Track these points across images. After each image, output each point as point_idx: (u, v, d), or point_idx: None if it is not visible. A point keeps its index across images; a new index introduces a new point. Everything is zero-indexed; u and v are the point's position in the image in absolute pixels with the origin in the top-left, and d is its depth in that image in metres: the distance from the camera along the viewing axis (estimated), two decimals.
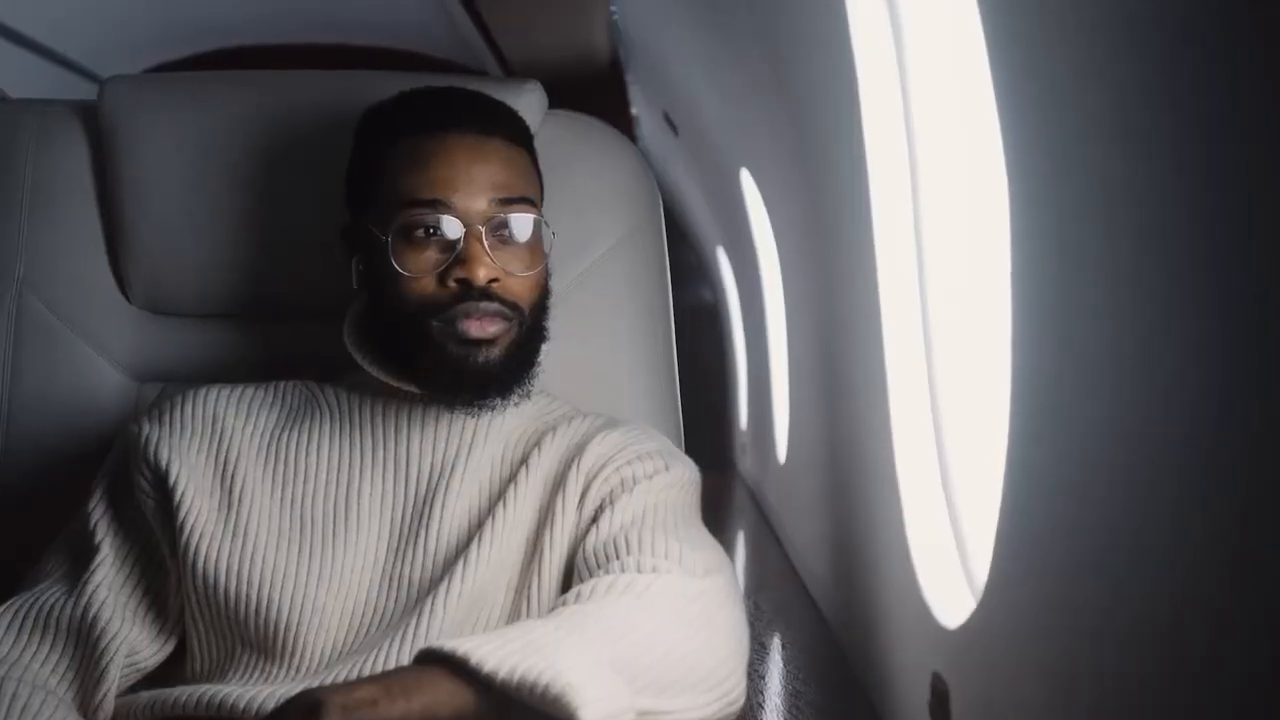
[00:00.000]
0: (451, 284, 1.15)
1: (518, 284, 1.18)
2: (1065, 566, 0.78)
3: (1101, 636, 0.75)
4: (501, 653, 0.93)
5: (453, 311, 1.15)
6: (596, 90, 3.31)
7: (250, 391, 1.26)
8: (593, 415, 1.26)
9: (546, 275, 1.22)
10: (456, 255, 1.15)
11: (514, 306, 1.17)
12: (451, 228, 1.15)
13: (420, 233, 1.16)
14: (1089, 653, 0.77)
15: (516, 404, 1.23)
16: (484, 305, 1.15)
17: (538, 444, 1.21)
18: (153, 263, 1.40)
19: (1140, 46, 0.66)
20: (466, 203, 1.16)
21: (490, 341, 1.16)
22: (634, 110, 3.82)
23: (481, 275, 1.14)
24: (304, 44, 2.98)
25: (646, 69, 3.19)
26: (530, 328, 1.20)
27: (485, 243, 1.15)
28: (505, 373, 1.18)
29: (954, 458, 1.17)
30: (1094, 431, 0.74)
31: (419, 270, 1.16)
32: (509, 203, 1.17)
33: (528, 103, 1.42)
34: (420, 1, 2.75)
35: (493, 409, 1.21)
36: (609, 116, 1.53)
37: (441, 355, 1.16)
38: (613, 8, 2.84)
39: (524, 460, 1.20)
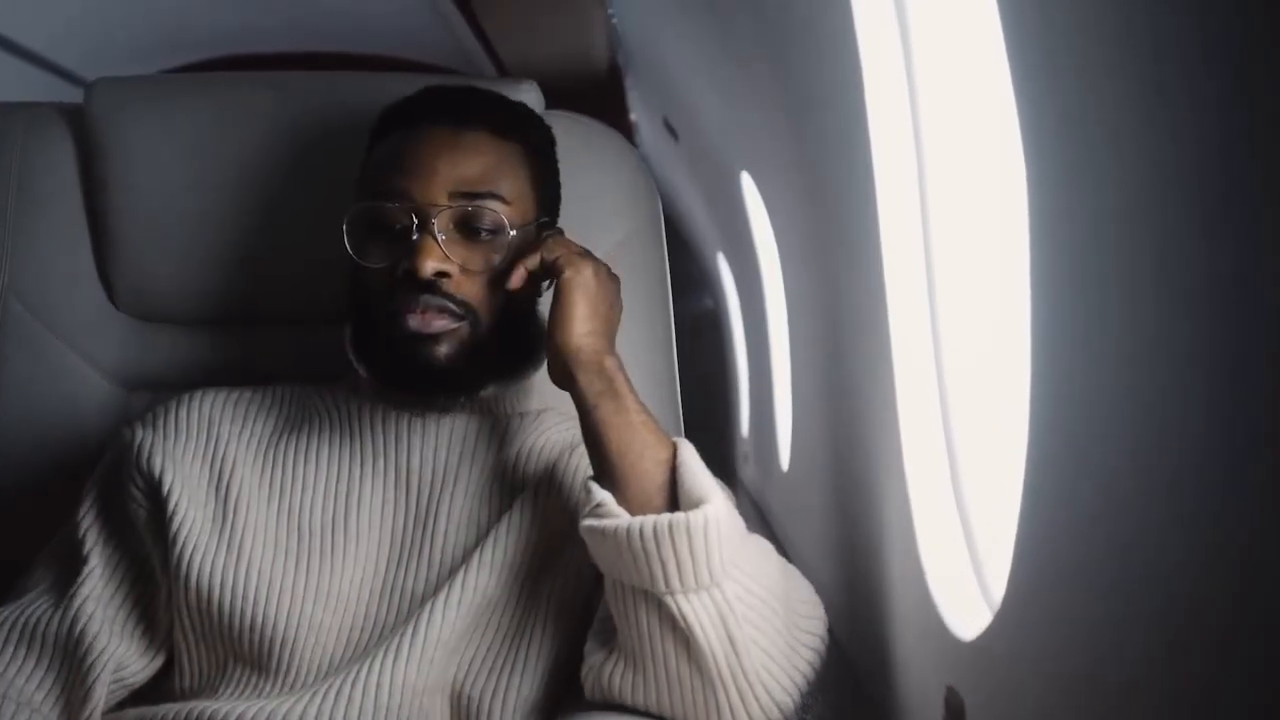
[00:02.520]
0: (399, 275, 1.11)
1: (470, 282, 1.12)
2: (1087, 575, 0.76)
3: (1128, 648, 0.73)
4: (699, 462, 1.07)
5: (395, 304, 1.11)
6: (596, 96, 3.29)
7: (246, 396, 1.23)
8: None
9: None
10: (408, 247, 1.11)
11: (464, 305, 1.12)
12: (405, 218, 1.11)
13: (380, 224, 1.13)
14: (1114, 664, 0.74)
15: (510, 409, 1.21)
16: (426, 299, 1.10)
17: (561, 454, 1.18)
18: (141, 268, 1.37)
19: (1161, 48, 0.64)
20: (423, 194, 1.12)
21: (434, 338, 1.11)
22: (633, 116, 3.81)
23: (427, 268, 1.09)
24: (301, 52, 2.98)
25: (646, 74, 3.18)
26: (493, 332, 1.14)
27: (441, 236, 1.11)
28: (451, 374, 1.13)
29: (964, 464, 1.14)
30: (1116, 436, 0.72)
31: (373, 260, 1.13)
32: (472, 197, 1.13)
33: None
34: (418, 8, 2.74)
35: (444, 410, 1.18)
36: (608, 123, 1.50)
37: (388, 349, 1.13)
38: (611, 11, 2.83)
39: (545, 470, 1.17)
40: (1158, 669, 0.70)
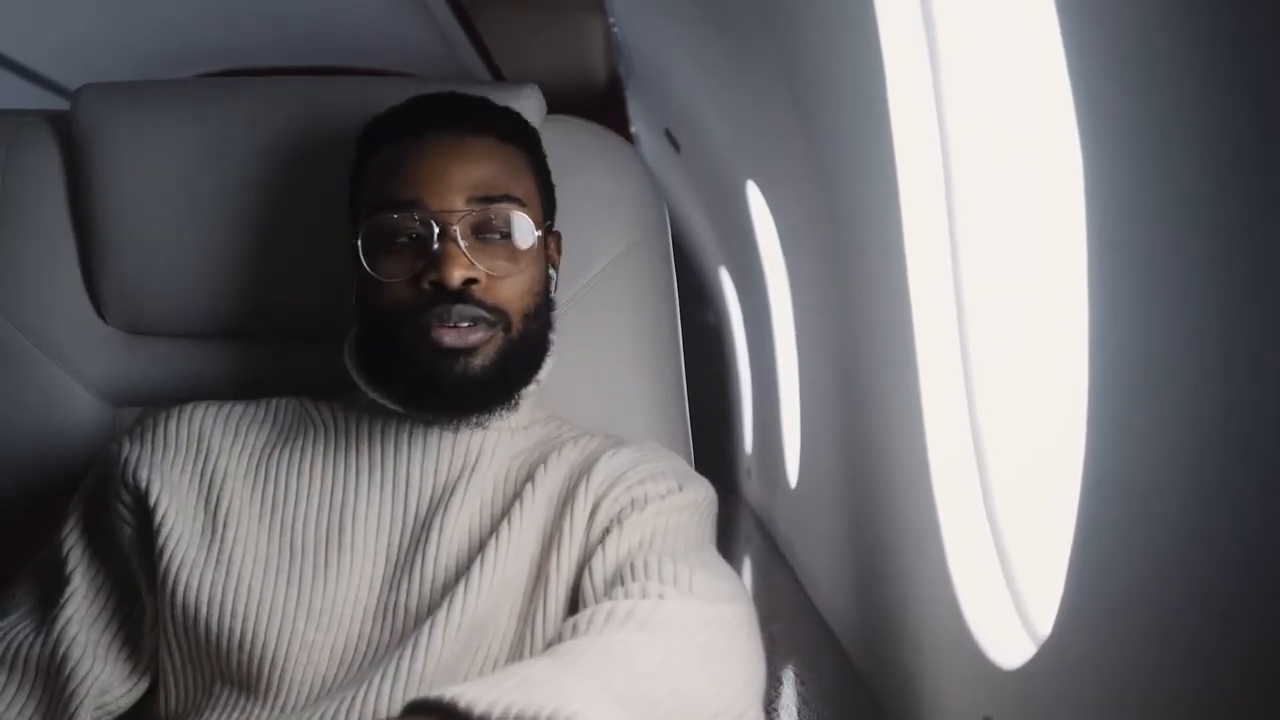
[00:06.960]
0: (425, 287, 1.08)
1: (501, 287, 1.10)
2: (1144, 606, 0.72)
3: (1184, 674, 0.68)
4: (494, 693, 0.81)
5: (425, 318, 1.07)
6: (596, 108, 3.28)
7: (239, 409, 1.19)
8: (601, 435, 1.19)
9: (544, 280, 1.16)
10: (431, 257, 1.08)
11: (496, 311, 1.10)
12: (423, 227, 1.08)
13: (394, 236, 1.10)
14: (1171, 692, 0.70)
15: (511, 423, 1.17)
16: (459, 310, 1.07)
17: (543, 462, 1.14)
18: (129, 280, 1.33)
19: (1220, 42, 0.60)
20: (440, 202, 1.09)
21: (469, 351, 1.08)
22: (633, 128, 3.80)
23: (456, 276, 1.06)
24: (297, 66, 2.96)
25: (647, 84, 3.16)
26: (522, 337, 1.12)
27: (463, 243, 1.08)
28: (486, 385, 1.10)
29: (997, 485, 1.10)
30: (1176, 469, 0.68)
31: (391, 274, 1.09)
32: (490, 201, 1.10)
33: (525, 108, 1.35)
34: (417, 23, 2.73)
35: (477, 425, 1.14)
36: None
37: (413, 366, 1.09)
38: (611, 20, 2.81)
39: (529, 479, 1.13)
40: (1215, 699, 0.66)
